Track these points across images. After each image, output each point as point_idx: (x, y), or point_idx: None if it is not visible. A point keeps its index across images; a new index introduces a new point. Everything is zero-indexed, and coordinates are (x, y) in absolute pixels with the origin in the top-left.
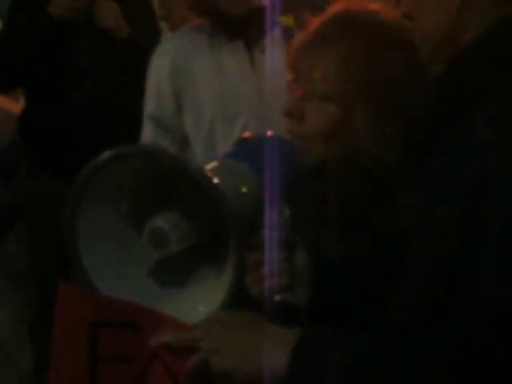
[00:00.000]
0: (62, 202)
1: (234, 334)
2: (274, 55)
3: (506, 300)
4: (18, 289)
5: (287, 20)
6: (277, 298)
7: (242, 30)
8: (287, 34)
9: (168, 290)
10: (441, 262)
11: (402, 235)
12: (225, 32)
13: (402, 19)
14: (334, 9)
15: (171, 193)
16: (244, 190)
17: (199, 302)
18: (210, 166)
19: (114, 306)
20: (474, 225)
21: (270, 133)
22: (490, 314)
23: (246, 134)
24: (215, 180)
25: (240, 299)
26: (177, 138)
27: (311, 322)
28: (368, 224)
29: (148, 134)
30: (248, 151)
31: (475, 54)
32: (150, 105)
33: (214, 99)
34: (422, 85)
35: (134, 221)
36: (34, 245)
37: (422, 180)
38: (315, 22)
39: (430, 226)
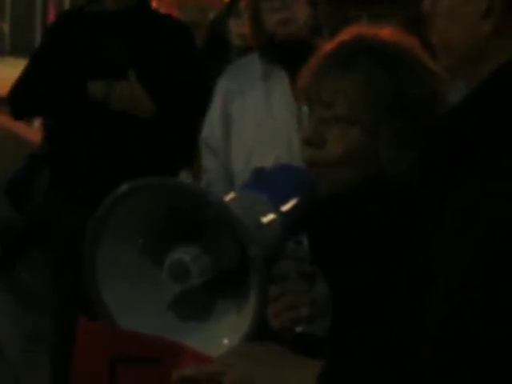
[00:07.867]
0: (84, 230)
1: (256, 366)
2: None
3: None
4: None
5: None
6: (297, 329)
7: (288, 61)
8: None
9: (190, 323)
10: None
11: (424, 266)
12: (273, 61)
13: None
14: (346, 34)
15: (190, 225)
16: (264, 220)
17: (222, 335)
18: (228, 198)
19: (134, 341)
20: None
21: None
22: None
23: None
24: (236, 211)
25: (261, 331)
26: (224, 162)
27: (332, 352)
28: (388, 253)
29: (202, 156)
30: (265, 181)
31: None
32: (204, 127)
33: (255, 127)
34: (441, 106)
35: (152, 254)
36: (57, 271)
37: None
38: (326, 47)
39: (452, 264)
